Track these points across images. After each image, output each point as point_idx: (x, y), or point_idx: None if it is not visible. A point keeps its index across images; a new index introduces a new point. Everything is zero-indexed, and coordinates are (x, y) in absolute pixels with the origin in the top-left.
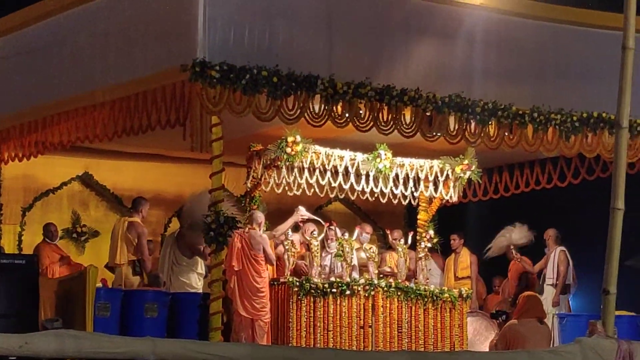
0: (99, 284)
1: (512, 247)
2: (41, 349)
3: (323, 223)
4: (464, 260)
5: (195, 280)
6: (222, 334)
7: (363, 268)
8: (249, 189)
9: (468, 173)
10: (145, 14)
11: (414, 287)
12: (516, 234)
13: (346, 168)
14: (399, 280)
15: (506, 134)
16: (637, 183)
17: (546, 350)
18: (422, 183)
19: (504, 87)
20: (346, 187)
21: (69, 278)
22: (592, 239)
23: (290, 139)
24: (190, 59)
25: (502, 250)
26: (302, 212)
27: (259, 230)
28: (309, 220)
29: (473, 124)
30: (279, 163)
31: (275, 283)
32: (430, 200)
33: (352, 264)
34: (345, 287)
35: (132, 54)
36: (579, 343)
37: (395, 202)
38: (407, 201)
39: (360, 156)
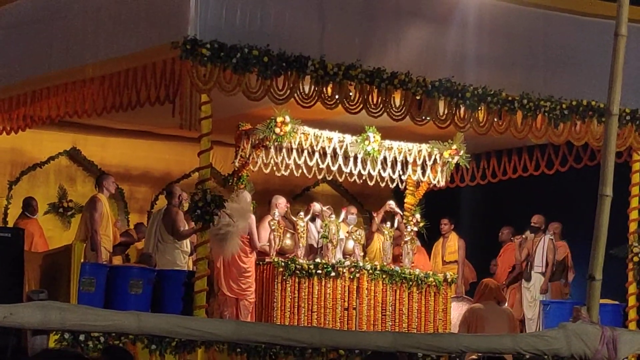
0: None
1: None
2: (25, 320)
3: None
4: (452, 244)
5: (180, 258)
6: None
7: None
8: (236, 169)
9: (456, 158)
10: None
11: (399, 271)
12: None
13: (334, 150)
14: (385, 263)
15: (495, 119)
16: (622, 173)
17: (531, 334)
18: (410, 167)
19: (494, 73)
20: (334, 168)
21: (54, 252)
22: (577, 227)
23: (279, 119)
24: (181, 37)
25: None
26: None
27: None
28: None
29: (462, 109)
30: (268, 143)
31: (261, 263)
32: (418, 184)
33: (338, 243)
34: (330, 268)
35: (124, 30)
36: (563, 328)
37: (383, 185)
38: (394, 184)
39: (348, 138)
